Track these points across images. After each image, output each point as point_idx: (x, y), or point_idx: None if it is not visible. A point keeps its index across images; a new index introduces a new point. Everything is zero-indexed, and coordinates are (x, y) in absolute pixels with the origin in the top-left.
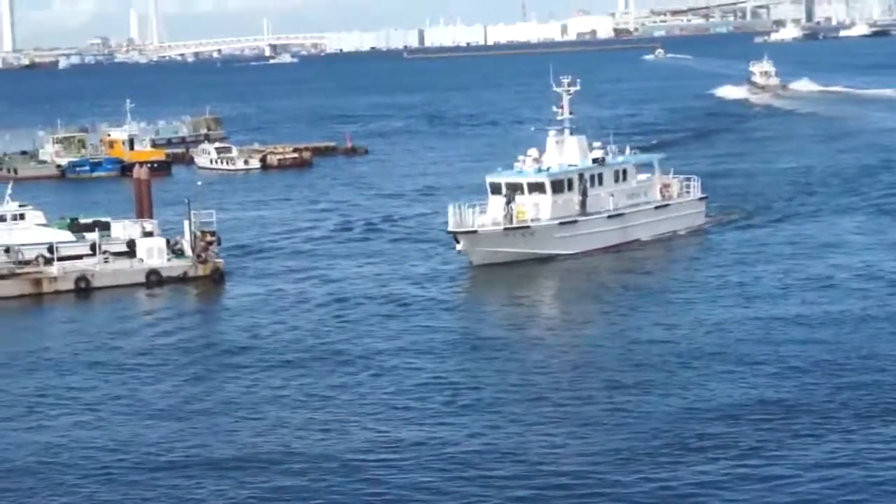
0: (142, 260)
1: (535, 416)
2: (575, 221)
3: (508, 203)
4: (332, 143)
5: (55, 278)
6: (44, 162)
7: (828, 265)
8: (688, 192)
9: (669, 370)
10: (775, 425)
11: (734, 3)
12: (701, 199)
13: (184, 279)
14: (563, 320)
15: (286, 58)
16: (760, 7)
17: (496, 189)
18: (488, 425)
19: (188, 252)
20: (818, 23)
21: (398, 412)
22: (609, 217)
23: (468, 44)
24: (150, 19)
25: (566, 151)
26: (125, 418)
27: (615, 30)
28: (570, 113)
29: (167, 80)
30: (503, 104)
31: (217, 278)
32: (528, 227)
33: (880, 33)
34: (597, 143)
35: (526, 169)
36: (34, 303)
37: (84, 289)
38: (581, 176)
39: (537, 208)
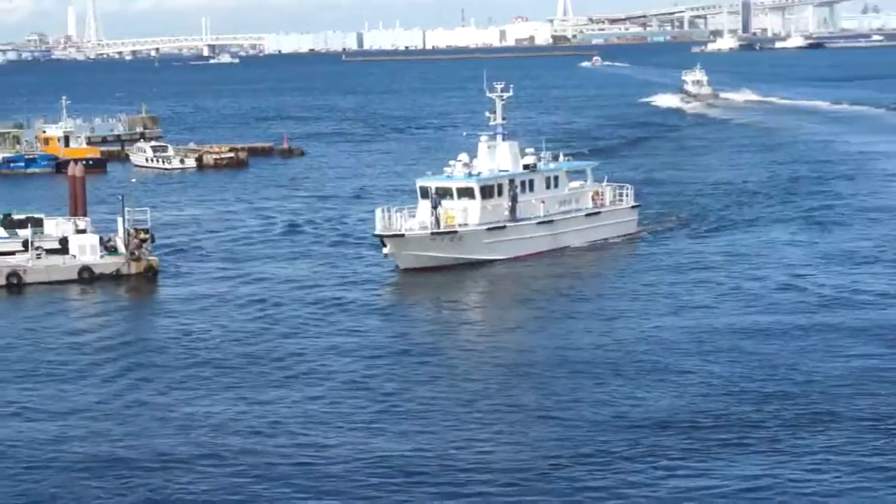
0: (74, 256)
1: (463, 422)
2: (504, 227)
3: (435, 207)
4: (268, 144)
5: None
6: None
7: (758, 275)
8: (620, 201)
9: (598, 378)
10: (704, 434)
11: (671, 13)
12: (633, 207)
13: (116, 276)
14: (488, 325)
15: (226, 58)
16: (698, 17)
17: (425, 193)
18: (416, 430)
19: (121, 249)
20: (755, 34)
21: (322, 415)
22: (539, 223)
23: (407, 47)
24: (89, 17)
25: (498, 157)
26: (49, 414)
27: (553, 36)
28: (503, 119)
29: (104, 77)
30: (440, 108)
31: (150, 276)
32: (455, 231)
33: (815, 45)
34: (529, 150)
35: (456, 174)
36: None
37: (16, 284)
38: (511, 182)
39: (466, 213)
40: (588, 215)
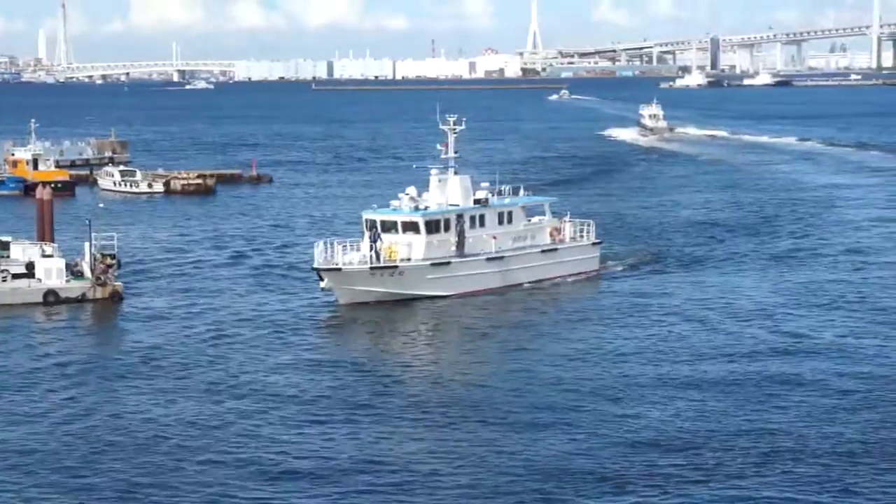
0: (40, 280)
1: (403, 451)
2: (449, 263)
3: (374, 241)
4: (237, 171)
5: None
6: None
7: (716, 317)
8: (582, 237)
9: (531, 416)
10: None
11: (640, 48)
12: (595, 244)
13: (82, 301)
14: (416, 361)
15: (201, 84)
16: (666, 53)
17: (371, 226)
18: (364, 458)
19: (87, 274)
20: (723, 70)
21: (268, 440)
22: (488, 260)
23: (377, 77)
24: (59, 40)
25: (448, 191)
26: (9, 433)
27: (523, 69)
28: (455, 152)
29: (74, 101)
30: (408, 138)
31: (115, 301)
32: (396, 266)
33: (783, 83)
34: (485, 184)
35: (402, 207)
36: None
37: None
38: (459, 217)
39: (410, 248)
40: (544, 252)
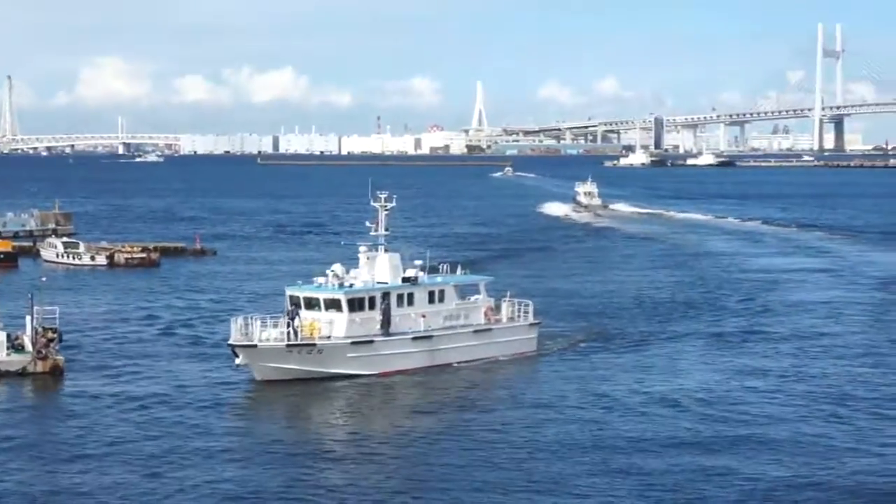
0: None
1: None
2: (371, 342)
3: (292, 319)
4: (181, 244)
5: None
6: None
7: (651, 397)
8: (519, 317)
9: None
10: None
11: (585, 127)
12: (533, 324)
13: (22, 374)
14: (319, 439)
15: (152, 157)
16: (611, 132)
17: (295, 302)
18: None
19: (28, 347)
20: (667, 150)
21: None
22: (415, 339)
23: (322, 152)
24: (3, 111)
25: (377, 268)
26: None
27: (468, 146)
28: (386, 229)
29: (17, 173)
30: (351, 214)
31: (56, 375)
32: (313, 344)
33: (726, 163)
34: (417, 261)
35: (328, 284)
36: None
37: None
38: (386, 294)
39: (332, 325)
40: (477, 332)
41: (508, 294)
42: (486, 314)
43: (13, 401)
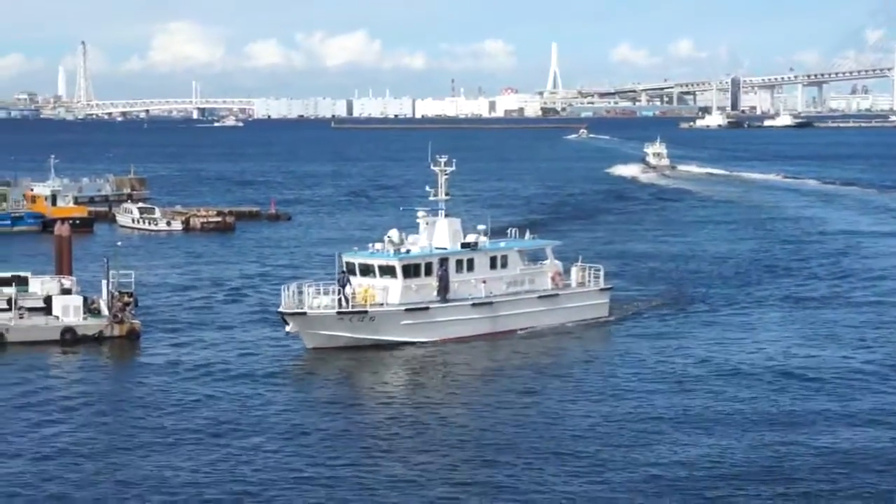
0: (57, 317)
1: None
2: (427, 308)
3: (343, 285)
4: (256, 209)
5: None
6: None
7: (727, 364)
8: (589, 282)
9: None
10: None
11: (661, 89)
12: (603, 289)
13: (99, 339)
14: (401, 402)
15: (231, 121)
16: (687, 94)
17: (351, 269)
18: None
19: (105, 311)
20: (743, 111)
21: (289, 480)
22: (475, 305)
23: (396, 116)
24: (79, 77)
25: (436, 233)
26: (19, 472)
27: (542, 109)
28: (447, 194)
29: (93, 138)
30: (424, 178)
31: (132, 339)
32: (365, 312)
33: (803, 124)
34: (480, 226)
35: (384, 250)
36: None
37: None
38: (443, 260)
39: (386, 292)
40: (542, 298)
41: (580, 259)
42: (553, 280)
43: (90, 365)
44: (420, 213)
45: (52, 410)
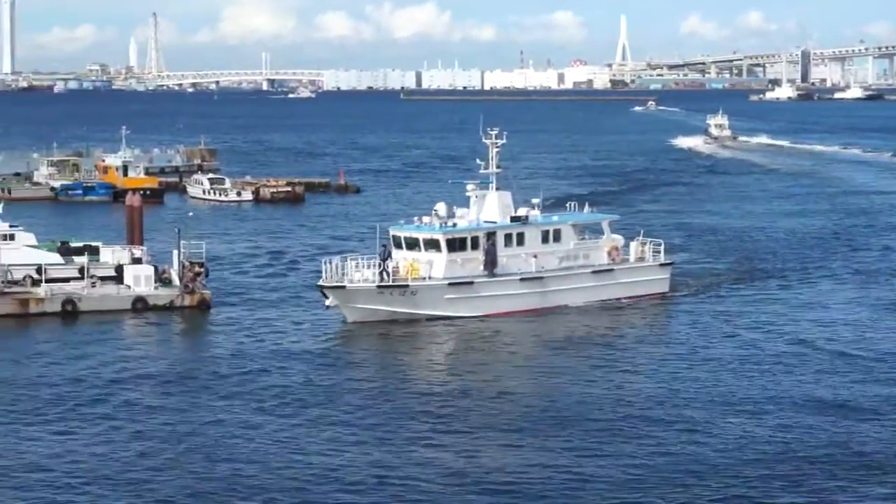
0: (129, 286)
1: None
2: (471, 283)
3: (384, 259)
4: (325, 180)
5: (42, 299)
6: (38, 184)
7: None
8: (648, 257)
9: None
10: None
11: (730, 61)
12: (663, 264)
13: (170, 308)
14: (452, 376)
15: (304, 93)
16: (756, 66)
17: (398, 243)
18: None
19: (175, 281)
20: (813, 84)
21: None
22: (524, 280)
23: (465, 87)
24: (149, 48)
25: (486, 207)
26: (92, 441)
27: (612, 81)
28: (498, 167)
29: (164, 108)
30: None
31: (203, 309)
32: (406, 286)
33: (874, 97)
34: (535, 199)
35: (431, 224)
36: (20, 323)
37: (70, 312)
38: (491, 234)
39: (431, 266)
40: (596, 273)
41: (641, 233)
42: (610, 254)
43: (161, 334)
44: (469, 187)
45: (124, 379)
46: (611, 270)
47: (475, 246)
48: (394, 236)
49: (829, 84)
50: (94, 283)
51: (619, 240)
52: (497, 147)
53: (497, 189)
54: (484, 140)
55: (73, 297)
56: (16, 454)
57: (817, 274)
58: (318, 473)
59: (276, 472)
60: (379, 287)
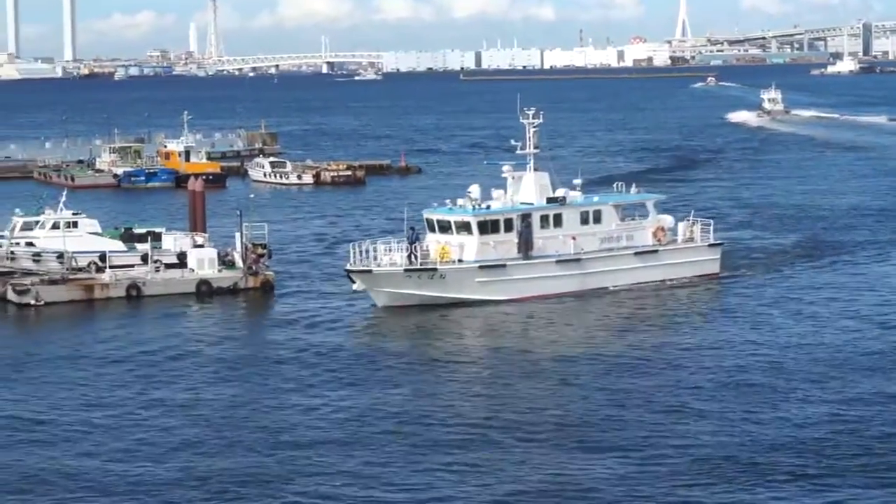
0: (193, 270)
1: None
2: (504, 266)
3: (412, 242)
4: (386, 162)
5: (107, 285)
6: (100, 171)
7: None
8: (697, 237)
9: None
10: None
11: (791, 35)
12: (713, 245)
13: (234, 291)
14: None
15: (370, 75)
16: (817, 39)
17: (431, 226)
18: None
19: (239, 264)
20: (875, 56)
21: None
22: (560, 262)
23: (524, 67)
24: (209, 33)
25: (522, 188)
26: (164, 423)
27: (671, 58)
28: (536, 147)
29: (225, 93)
30: (558, 128)
31: (266, 291)
32: (434, 269)
33: None
34: (577, 180)
35: (464, 206)
36: (85, 308)
37: (135, 296)
38: (525, 216)
39: (462, 249)
40: (639, 254)
41: (692, 213)
42: (655, 235)
43: (226, 316)
44: (505, 168)
45: (187, 361)
46: (655, 252)
47: (509, 228)
48: (427, 219)
49: (891, 56)
50: (157, 267)
51: (665, 220)
52: (534, 127)
53: (535, 170)
54: (521, 120)
55: (137, 281)
56: (79, 432)
57: (875, 254)
58: (376, 458)
59: (333, 455)
60: (406, 270)
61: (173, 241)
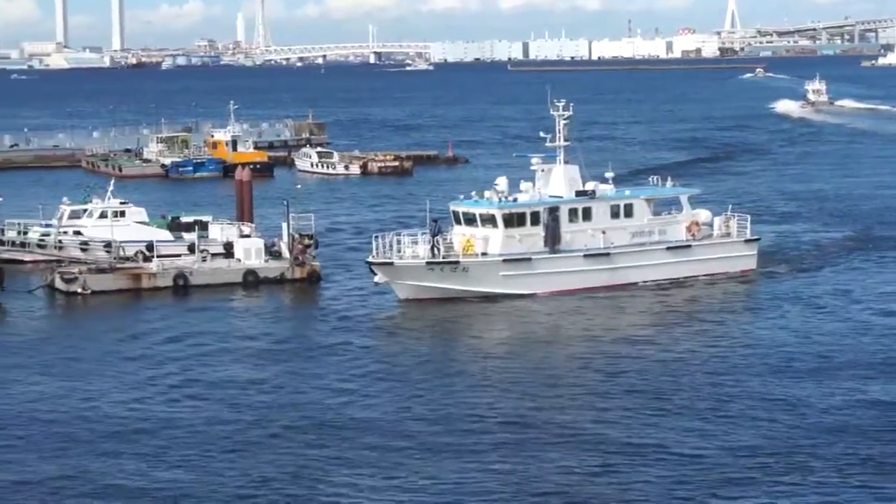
0: (239, 260)
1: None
2: (529, 259)
3: (434, 235)
4: (433, 152)
5: (154, 274)
6: (148, 161)
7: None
8: (732, 233)
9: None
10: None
11: (841, 26)
12: (749, 240)
13: (280, 281)
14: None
15: (422, 65)
16: (868, 31)
17: (457, 218)
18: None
19: (285, 254)
20: None
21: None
22: (587, 256)
23: (572, 58)
24: (257, 23)
25: (551, 181)
26: (210, 411)
27: (721, 49)
28: (566, 140)
29: (271, 83)
30: (607, 119)
31: (313, 281)
32: (457, 262)
33: None
34: (609, 173)
35: (490, 199)
36: (133, 297)
37: (182, 286)
38: (553, 210)
39: (487, 242)
40: (671, 249)
41: (730, 208)
42: (689, 230)
43: (272, 306)
44: (534, 160)
45: (233, 350)
46: (688, 247)
47: (535, 221)
48: (453, 212)
49: None
50: (204, 257)
51: (701, 214)
52: (564, 119)
53: (565, 162)
54: (551, 112)
55: (184, 271)
56: (127, 420)
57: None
58: (422, 447)
59: (380, 445)
60: (428, 263)
61: (220, 231)
